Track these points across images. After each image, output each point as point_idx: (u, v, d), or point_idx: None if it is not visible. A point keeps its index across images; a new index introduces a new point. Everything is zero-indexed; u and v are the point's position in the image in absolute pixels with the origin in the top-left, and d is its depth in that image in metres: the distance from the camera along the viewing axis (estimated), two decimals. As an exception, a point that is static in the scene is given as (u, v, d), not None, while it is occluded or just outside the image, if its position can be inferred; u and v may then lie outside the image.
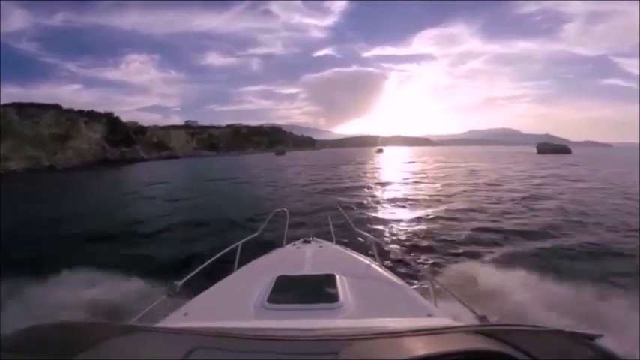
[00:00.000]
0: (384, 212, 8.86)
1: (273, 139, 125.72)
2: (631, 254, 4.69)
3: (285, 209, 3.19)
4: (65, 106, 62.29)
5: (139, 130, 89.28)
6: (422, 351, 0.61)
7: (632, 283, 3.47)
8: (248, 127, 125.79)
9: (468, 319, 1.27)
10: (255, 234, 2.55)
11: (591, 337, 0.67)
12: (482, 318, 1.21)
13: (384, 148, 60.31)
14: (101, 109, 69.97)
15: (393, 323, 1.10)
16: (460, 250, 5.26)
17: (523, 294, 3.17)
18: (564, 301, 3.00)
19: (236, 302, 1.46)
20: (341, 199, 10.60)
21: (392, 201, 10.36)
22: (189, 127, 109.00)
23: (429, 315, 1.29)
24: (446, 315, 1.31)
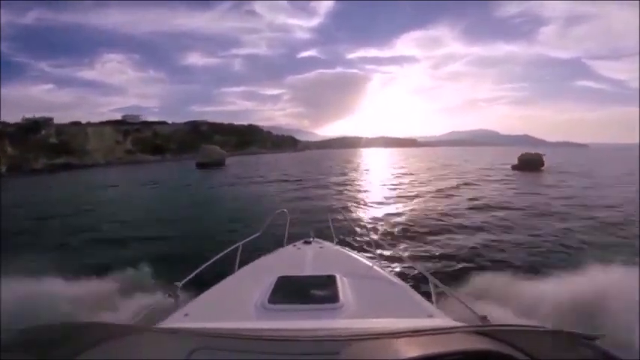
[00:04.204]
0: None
1: (247, 138, 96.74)
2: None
3: (285, 210, 3.18)
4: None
5: (30, 126, 58.10)
6: (422, 351, 0.60)
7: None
8: (211, 124, 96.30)
9: (469, 319, 1.27)
10: (256, 235, 2.54)
11: (591, 338, 0.65)
12: (483, 319, 1.20)
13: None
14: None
15: (393, 324, 1.10)
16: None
17: (524, 294, 3.13)
18: (566, 301, 2.90)
19: (237, 303, 1.44)
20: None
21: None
22: (123, 123, 78.12)
23: (430, 316, 1.28)
24: (446, 316, 1.31)
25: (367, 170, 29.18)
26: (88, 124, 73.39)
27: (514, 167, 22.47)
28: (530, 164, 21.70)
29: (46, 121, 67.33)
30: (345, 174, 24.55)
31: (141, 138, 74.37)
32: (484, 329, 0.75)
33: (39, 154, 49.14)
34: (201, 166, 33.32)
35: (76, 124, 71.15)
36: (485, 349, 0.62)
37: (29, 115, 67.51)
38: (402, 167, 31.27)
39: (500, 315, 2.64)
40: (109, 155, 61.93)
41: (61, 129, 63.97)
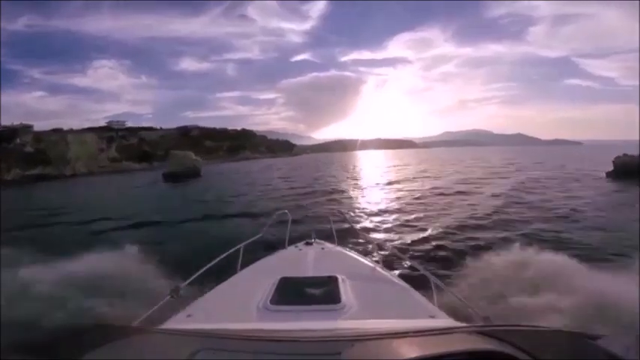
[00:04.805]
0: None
1: (240, 143, 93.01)
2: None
3: (286, 211, 3.15)
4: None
5: (4, 134, 53.91)
6: (424, 351, 0.60)
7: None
8: (202, 129, 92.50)
9: (471, 319, 1.26)
10: (258, 236, 2.56)
11: (592, 337, 0.65)
12: (485, 319, 1.20)
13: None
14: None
15: (395, 324, 1.10)
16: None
17: (525, 295, 3.02)
18: (568, 303, 2.82)
19: (239, 304, 1.46)
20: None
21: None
22: (107, 129, 74.00)
23: (432, 316, 1.28)
24: (448, 316, 1.31)
25: (390, 184, 18.49)
26: (70, 130, 69.14)
27: (609, 174, 16.19)
28: (634, 170, 14.58)
29: (25, 129, 63.12)
30: (359, 196, 14.61)
31: (126, 146, 70.36)
32: (486, 329, 0.75)
33: (12, 164, 44.99)
34: (169, 177, 26.44)
35: (57, 131, 66.90)
36: (487, 349, 0.62)
37: (13, 123, 63.42)
38: (438, 177, 20.91)
39: (502, 315, 2.50)
40: (91, 164, 57.79)
41: (40, 137, 59.73)
